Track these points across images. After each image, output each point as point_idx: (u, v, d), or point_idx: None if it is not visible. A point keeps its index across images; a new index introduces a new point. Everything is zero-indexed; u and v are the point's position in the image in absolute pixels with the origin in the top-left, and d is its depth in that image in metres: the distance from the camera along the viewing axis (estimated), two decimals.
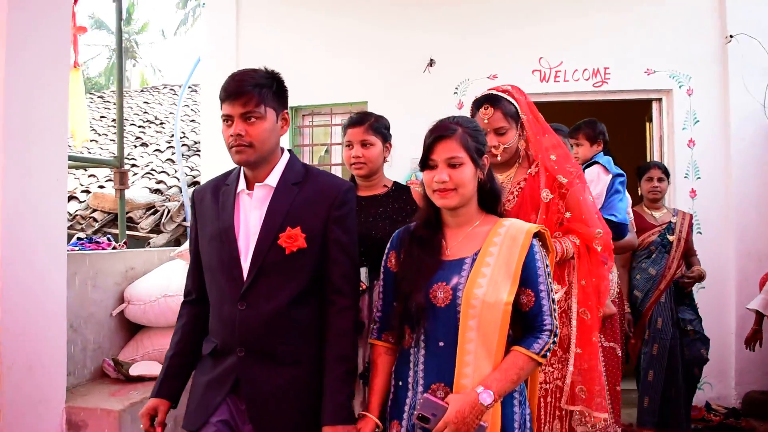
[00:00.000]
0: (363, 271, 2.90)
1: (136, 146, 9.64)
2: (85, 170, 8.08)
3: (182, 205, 7.32)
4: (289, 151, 2.46)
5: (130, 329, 4.31)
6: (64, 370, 3.50)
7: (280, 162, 2.38)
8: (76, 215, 7.22)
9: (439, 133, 2.16)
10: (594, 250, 2.84)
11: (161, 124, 10.81)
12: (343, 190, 2.37)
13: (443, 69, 5.99)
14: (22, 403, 3.12)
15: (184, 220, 7.17)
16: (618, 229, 3.65)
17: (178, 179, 7.88)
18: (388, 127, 3.16)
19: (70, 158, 4.34)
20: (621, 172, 3.96)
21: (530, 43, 5.83)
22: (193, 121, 10.28)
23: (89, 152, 8.92)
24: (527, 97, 2.97)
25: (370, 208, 3.02)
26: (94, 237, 4.98)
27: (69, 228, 6.35)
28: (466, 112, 5.69)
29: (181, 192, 7.52)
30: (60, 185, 3.47)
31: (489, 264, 2.10)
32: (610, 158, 4.09)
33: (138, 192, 7.42)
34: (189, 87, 8.60)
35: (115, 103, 6.62)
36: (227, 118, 2.27)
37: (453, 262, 2.16)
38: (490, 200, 2.26)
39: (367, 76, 6.12)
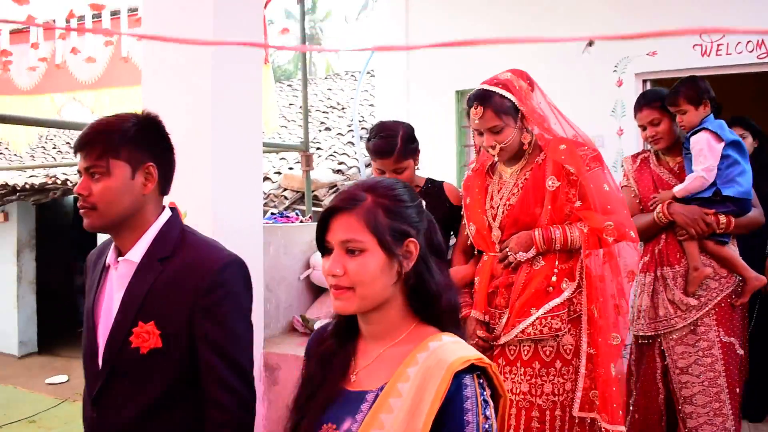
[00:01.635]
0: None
1: (320, 131, 10.45)
2: (277, 154, 8.93)
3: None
4: (172, 209, 2.05)
5: (315, 291, 4.95)
6: (262, 324, 4.19)
7: (152, 228, 1.93)
8: (270, 194, 8.08)
9: (336, 204, 1.50)
10: (605, 242, 2.57)
11: (342, 109, 11.58)
12: (215, 269, 1.85)
13: (602, 48, 6.10)
14: None
15: None
16: (740, 205, 3.27)
17: (357, 160, 8.56)
18: (414, 139, 3.03)
19: (264, 144, 5.04)
20: (737, 138, 3.42)
21: (690, 16, 5.81)
22: (371, 105, 10.96)
23: (280, 138, 9.80)
24: (532, 81, 2.76)
25: None
26: (284, 212, 5.72)
27: (264, 205, 7.20)
28: (626, 90, 5.84)
29: (359, 172, 8.18)
30: (256, 167, 4.12)
31: (392, 409, 1.39)
32: (722, 122, 3.47)
33: (322, 172, 8.16)
34: (367, 72, 9.22)
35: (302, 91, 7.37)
36: (79, 173, 1.89)
37: (354, 394, 1.50)
38: (422, 303, 1.53)
39: (527, 59, 6.30)
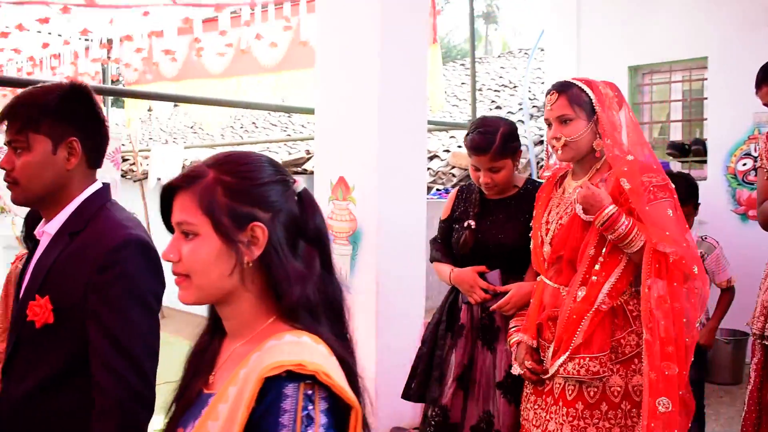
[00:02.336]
0: (495, 273, 2.87)
1: (491, 109, 10.45)
2: (447, 132, 9.07)
3: (528, 162, 7.94)
4: (105, 185, 1.91)
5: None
6: (424, 293, 4.36)
7: (73, 202, 1.83)
8: (438, 171, 8.25)
9: (174, 180, 1.33)
10: (666, 257, 2.26)
11: (514, 87, 11.49)
12: (111, 246, 1.72)
13: None
14: (393, 313, 4.02)
15: (530, 175, 7.80)
16: None
17: (526, 138, 8.52)
18: (516, 136, 2.92)
19: (431, 122, 5.19)
20: None
21: None
22: (543, 83, 10.81)
23: (451, 116, 9.92)
24: (621, 96, 2.56)
25: (498, 213, 2.91)
26: (450, 189, 5.85)
27: (431, 182, 7.37)
28: None
29: (528, 151, 8.15)
30: (420, 145, 4.28)
31: (218, 416, 1.22)
32: None
33: None
34: (539, 49, 9.11)
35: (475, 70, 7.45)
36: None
37: (204, 397, 1.33)
38: (276, 296, 1.29)
39: (705, 31, 6.05)
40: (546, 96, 2.55)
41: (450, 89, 11.34)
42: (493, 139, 2.79)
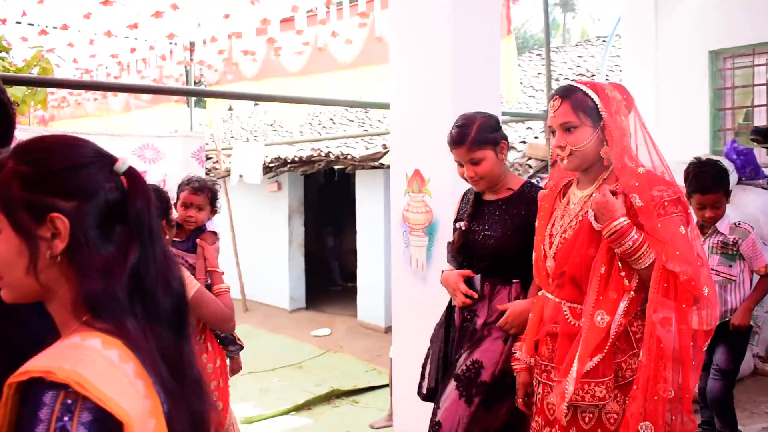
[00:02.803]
0: (477, 278, 2.85)
1: None
2: (523, 123, 9.02)
3: None
4: None
5: None
6: None
7: None
8: (514, 163, 8.22)
9: None
10: (676, 276, 2.13)
11: (592, 76, 11.31)
12: None
13: None
14: None
15: None
16: None
17: None
18: (495, 128, 2.87)
19: (506, 114, 5.21)
20: None
21: None
22: (621, 71, 10.60)
23: (527, 107, 9.86)
24: (630, 99, 2.39)
25: (490, 214, 2.88)
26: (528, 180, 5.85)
27: None
28: None
29: None
30: None
31: None
32: None
33: None
34: (616, 35, 8.95)
35: (552, 60, 7.37)
36: None
37: None
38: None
39: None
40: (549, 101, 2.43)
41: (526, 80, 11.24)
42: (469, 130, 2.79)
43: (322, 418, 5.77)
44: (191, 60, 8.84)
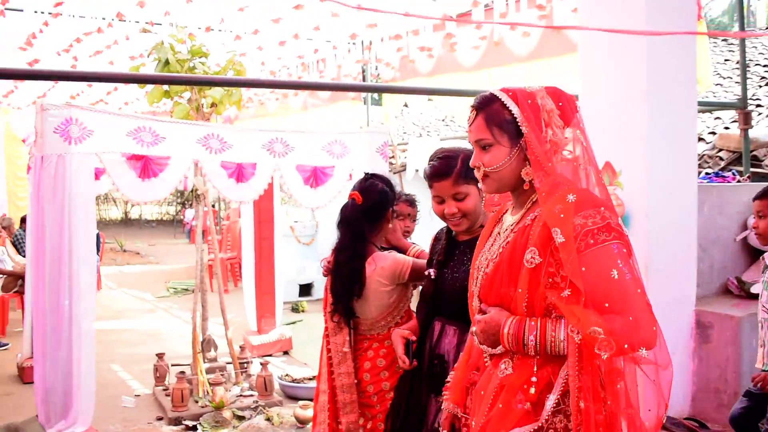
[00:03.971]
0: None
1: (760, 86, 9.66)
2: (711, 113, 8.55)
3: None
4: None
5: (752, 253, 4.76)
6: (695, 280, 4.21)
7: None
8: (704, 155, 7.80)
9: None
10: (596, 357, 1.71)
11: None
12: None
13: None
14: (663, 300, 3.93)
15: None
16: None
17: None
18: None
19: (700, 104, 4.96)
20: None
21: None
22: None
23: (714, 96, 9.32)
24: (571, 108, 1.94)
25: (462, 254, 2.63)
26: (720, 172, 5.54)
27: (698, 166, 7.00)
28: None
29: None
30: (690, 127, 4.13)
31: None
32: None
33: (762, 131, 7.59)
34: None
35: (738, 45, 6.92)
36: None
37: None
38: None
39: None
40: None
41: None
42: (454, 162, 2.54)
43: None
44: (368, 59, 9.10)
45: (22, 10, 7.15)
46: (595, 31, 4.08)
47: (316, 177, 5.53)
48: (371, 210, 3.21)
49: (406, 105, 11.06)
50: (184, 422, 5.27)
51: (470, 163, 2.03)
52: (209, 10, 6.91)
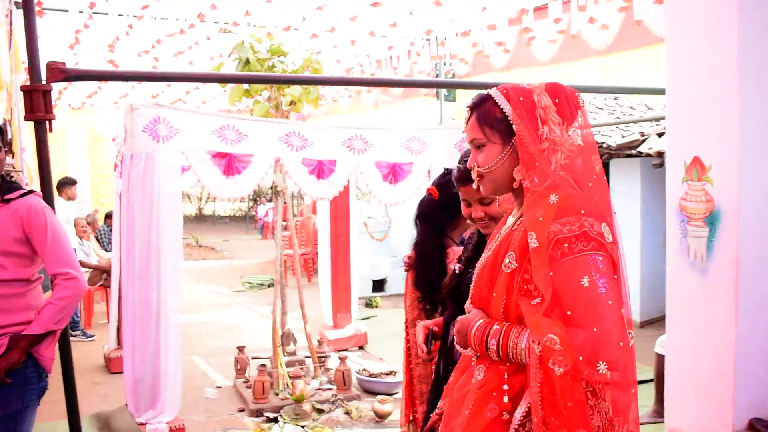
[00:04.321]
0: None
1: None
2: None
3: None
4: None
5: None
6: None
7: None
8: None
9: None
10: (551, 372, 1.62)
11: None
12: None
13: None
14: (755, 298, 3.79)
15: None
16: None
17: None
18: None
19: None
20: None
21: None
22: None
23: None
24: (571, 105, 1.85)
25: None
26: None
27: None
28: None
29: None
30: None
31: None
32: None
33: None
34: None
35: None
36: None
37: None
38: None
39: None
40: None
41: None
42: None
43: None
44: (442, 55, 9.09)
45: (106, 14, 7.41)
46: (683, 20, 3.98)
47: (394, 173, 5.56)
48: (448, 206, 3.21)
49: None
50: (265, 414, 5.38)
51: (467, 164, 1.99)
52: (288, 9, 7.02)
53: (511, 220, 1.97)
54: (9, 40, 6.87)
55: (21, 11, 7.42)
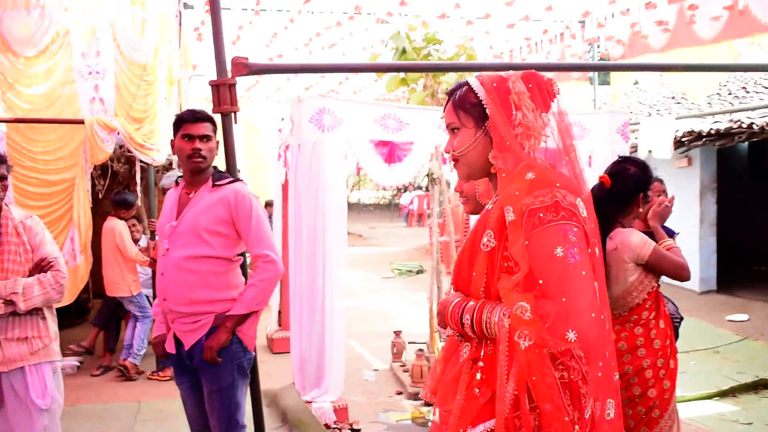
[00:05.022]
0: None
1: None
2: None
3: None
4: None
5: None
6: None
7: None
8: None
9: None
10: (516, 345, 1.66)
11: None
12: None
13: None
14: None
15: None
16: None
17: None
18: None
19: None
20: None
21: None
22: None
23: None
24: (544, 92, 1.90)
25: None
26: None
27: None
28: None
29: None
30: None
31: None
32: None
33: None
34: None
35: None
36: None
37: None
38: None
39: None
40: None
41: None
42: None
43: (750, 408, 5.41)
44: (598, 37, 8.83)
45: (265, 10, 7.73)
46: None
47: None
48: (620, 195, 3.20)
49: (636, 83, 10.58)
50: (422, 397, 5.47)
51: (444, 149, 2.07)
52: None
53: (489, 205, 1.99)
54: (179, 39, 7.35)
55: (189, 12, 7.93)
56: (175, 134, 3.24)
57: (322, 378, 5.06)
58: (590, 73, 9.80)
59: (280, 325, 7.41)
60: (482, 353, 1.84)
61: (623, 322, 3.17)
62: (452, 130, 2.00)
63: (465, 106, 1.94)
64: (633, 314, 3.15)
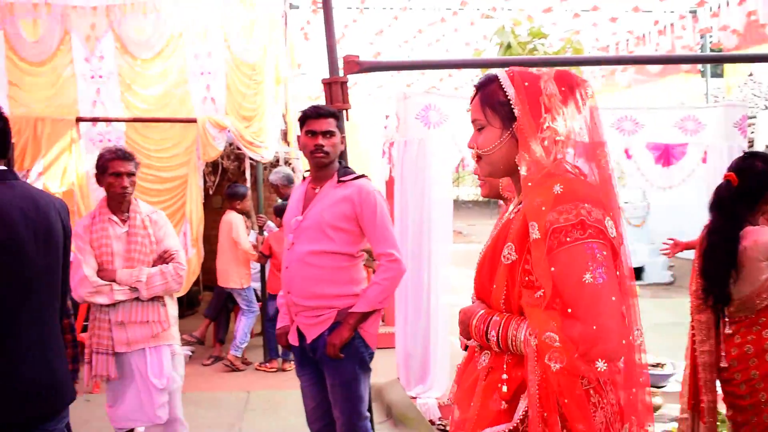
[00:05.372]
0: None
1: None
2: None
3: None
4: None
5: None
6: None
7: None
8: None
9: None
10: (547, 368, 1.58)
11: None
12: None
13: None
14: None
15: None
16: None
17: None
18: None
19: None
20: None
21: None
22: None
23: None
24: (576, 93, 1.78)
25: None
26: None
27: None
28: None
29: None
30: None
31: None
32: None
33: None
34: None
35: None
36: None
37: None
38: None
39: None
40: None
41: None
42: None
43: None
44: (711, 27, 8.46)
45: (368, 8, 7.80)
46: None
47: (667, 155, 5.28)
48: (748, 193, 3.09)
49: (750, 74, 10.11)
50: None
51: (468, 144, 1.97)
52: None
53: (510, 207, 1.96)
54: (285, 39, 7.51)
55: (295, 11, 8.09)
56: (300, 130, 3.32)
57: (427, 374, 5.08)
58: (701, 66, 9.39)
59: (383, 321, 7.48)
60: (504, 366, 1.80)
61: (750, 325, 3.10)
62: (479, 128, 1.90)
63: (493, 105, 1.85)
64: (761, 317, 3.05)
